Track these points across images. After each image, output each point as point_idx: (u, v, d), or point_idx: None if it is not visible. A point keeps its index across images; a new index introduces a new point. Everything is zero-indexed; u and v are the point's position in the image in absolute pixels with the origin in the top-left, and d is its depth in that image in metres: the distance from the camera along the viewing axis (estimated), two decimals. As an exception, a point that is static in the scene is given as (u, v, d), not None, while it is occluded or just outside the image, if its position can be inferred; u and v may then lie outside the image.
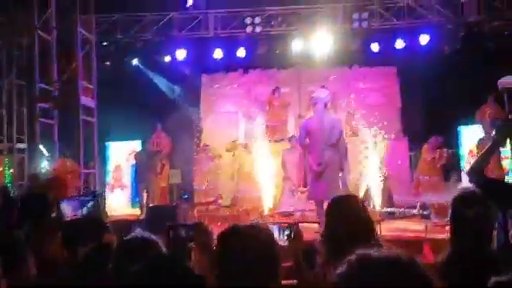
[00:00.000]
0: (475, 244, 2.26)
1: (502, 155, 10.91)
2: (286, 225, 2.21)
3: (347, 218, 2.27)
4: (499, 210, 2.73)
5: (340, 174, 7.28)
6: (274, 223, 2.52)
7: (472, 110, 11.03)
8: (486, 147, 10.73)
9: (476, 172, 3.56)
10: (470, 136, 11.49)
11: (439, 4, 9.78)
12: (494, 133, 3.69)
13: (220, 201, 10.32)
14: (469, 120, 11.28)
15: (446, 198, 9.58)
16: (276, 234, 2.19)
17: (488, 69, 9.84)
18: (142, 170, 10.44)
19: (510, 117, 4.04)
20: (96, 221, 2.58)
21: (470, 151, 11.91)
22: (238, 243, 1.73)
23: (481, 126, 11.11)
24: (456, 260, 2.29)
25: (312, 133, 7.03)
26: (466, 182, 11.14)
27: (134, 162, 11.00)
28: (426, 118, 11.13)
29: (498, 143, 3.64)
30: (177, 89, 11.93)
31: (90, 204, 2.79)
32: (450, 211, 2.44)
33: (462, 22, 9.62)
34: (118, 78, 10.63)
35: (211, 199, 10.31)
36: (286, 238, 2.35)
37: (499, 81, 4.09)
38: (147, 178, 10.35)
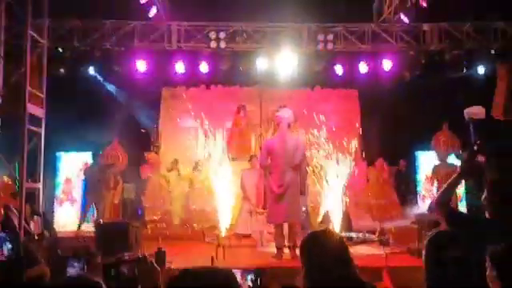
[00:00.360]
0: None
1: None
2: (253, 268, 1.95)
3: (320, 253, 2.11)
4: (469, 245, 2.58)
5: (301, 197, 7.09)
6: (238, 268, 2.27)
7: (430, 136, 11.19)
8: (440, 174, 10.79)
9: (441, 204, 3.48)
10: (428, 161, 11.65)
11: (402, 31, 9.89)
12: (459, 165, 3.62)
13: (166, 217, 10.03)
14: (426, 146, 11.44)
15: (403, 222, 9.64)
16: (238, 278, 1.94)
17: (446, 97, 10.03)
18: (92, 185, 9.96)
19: (475, 148, 3.97)
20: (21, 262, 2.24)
21: (426, 176, 12.10)
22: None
23: (435, 152, 11.30)
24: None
25: (274, 153, 6.83)
26: (422, 207, 11.30)
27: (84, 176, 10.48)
28: (385, 142, 11.19)
29: (462, 176, 3.56)
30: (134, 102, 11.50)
31: (10, 246, 2.44)
32: (423, 253, 2.27)
33: (423, 50, 9.76)
34: (73, 86, 10.17)
35: (158, 217, 9.99)
36: (250, 283, 2.10)
37: (465, 111, 4.02)
38: (98, 193, 9.89)
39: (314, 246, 2.14)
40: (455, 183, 3.92)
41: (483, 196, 3.54)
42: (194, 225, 9.67)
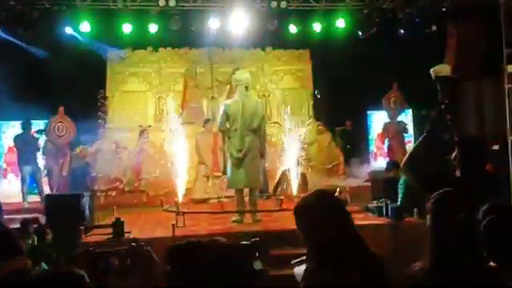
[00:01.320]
0: (462, 252, 2.03)
1: (406, 139, 11.41)
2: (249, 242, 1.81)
3: (319, 219, 2.06)
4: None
5: (260, 161, 7.00)
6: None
7: (382, 95, 11.32)
8: (390, 132, 10.91)
9: (409, 165, 3.49)
10: (381, 120, 11.84)
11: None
12: (427, 126, 3.62)
13: (120, 185, 9.74)
14: (379, 105, 11.58)
15: (355, 182, 9.79)
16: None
17: (399, 55, 10.10)
18: (24, 155, 9.43)
19: (442, 107, 3.95)
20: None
21: (378, 134, 12.35)
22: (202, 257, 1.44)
23: (386, 111, 11.50)
24: (439, 269, 2.06)
25: (233, 117, 6.65)
26: (374, 165, 11.47)
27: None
28: (338, 102, 11.21)
29: (432, 135, 3.55)
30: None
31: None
32: (429, 215, 2.19)
33: (376, 8, 9.69)
34: (10, 50, 9.43)
35: (109, 186, 9.69)
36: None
37: (432, 69, 3.98)
38: (33, 164, 9.44)
39: (312, 211, 2.08)
40: (424, 144, 3.90)
41: (453, 155, 3.54)
42: (149, 195, 9.44)
